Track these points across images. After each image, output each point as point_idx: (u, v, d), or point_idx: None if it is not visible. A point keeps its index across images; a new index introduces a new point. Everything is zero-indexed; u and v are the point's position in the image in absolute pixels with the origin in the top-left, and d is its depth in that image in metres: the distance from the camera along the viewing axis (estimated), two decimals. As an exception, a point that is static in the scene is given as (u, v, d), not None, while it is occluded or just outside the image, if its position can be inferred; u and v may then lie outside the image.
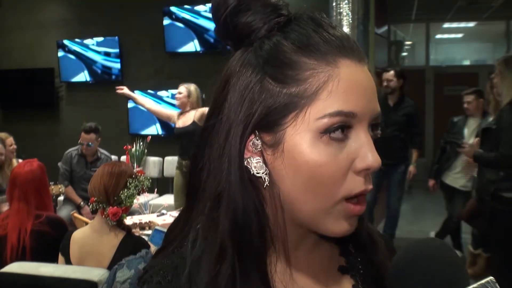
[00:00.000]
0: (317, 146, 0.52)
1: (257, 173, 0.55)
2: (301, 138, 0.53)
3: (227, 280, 0.53)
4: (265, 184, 0.55)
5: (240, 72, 0.55)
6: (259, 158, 0.55)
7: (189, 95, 4.14)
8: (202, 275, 0.53)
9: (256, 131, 0.55)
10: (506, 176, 2.86)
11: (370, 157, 0.53)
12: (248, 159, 0.55)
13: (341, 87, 0.52)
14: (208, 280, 0.53)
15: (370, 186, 0.54)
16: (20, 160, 3.62)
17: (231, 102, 0.55)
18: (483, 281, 0.48)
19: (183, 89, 4.16)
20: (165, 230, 2.63)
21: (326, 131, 0.52)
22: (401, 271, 0.53)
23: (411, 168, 4.48)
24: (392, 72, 4.29)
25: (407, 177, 4.52)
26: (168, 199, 4.64)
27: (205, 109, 4.63)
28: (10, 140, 4.09)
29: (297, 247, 0.60)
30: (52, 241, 2.24)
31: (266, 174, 0.55)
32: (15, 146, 4.09)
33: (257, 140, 0.55)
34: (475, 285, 0.48)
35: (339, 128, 0.52)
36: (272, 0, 0.57)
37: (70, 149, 4.39)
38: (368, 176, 0.54)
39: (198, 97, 4.19)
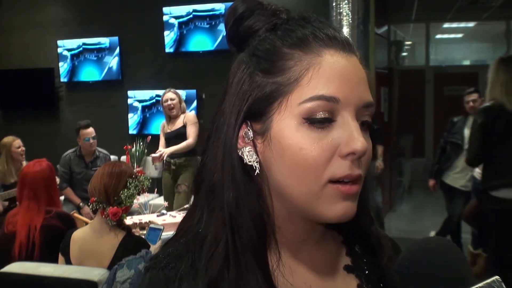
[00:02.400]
0: (300, 131, 0.54)
1: (249, 161, 0.57)
2: (286, 124, 0.55)
3: (221, 265, 0.54)
4: (256, 172, 0.57)
5: (235, 71, 0.59)
6: (251, 147, 0.57)
7: (180, 101, 4.30)
8: (201, 260, 0.56)
9: (248, 121, 0.58)
10: (492, 174, 2.87)
11: (355, 142, 0.53)
12: (242, 149, 0.58)
13: (322, 73, 0.54)
14: (204, 264, 0.55)
15: (358, 171, 0.55)
16: (24, 163, 3.61)
17: (227, 98, 0.59)
18: (488, 280, 0.47)
19: (173, 95, 4.25)
20: (161, 227, 2.62)
21: (310, 120, 0.53)
22: (408, 268, 0.53)
23: (378, 163, 4.51)
24: None
25: (375, 171, 4.57)
26: (168, 199, 4.62)
27: (191, 113, 4.70)
28: (17, 142, 4.04)
29: (302, 242, 0.61)
30: (61, 235, 2.26)
31: (256, 162, 0.57)
32: (23, 148, 4.05)
33: (248, 130, 0.58)
34: (480, 284, 0.47)
35: (324, 121, 0.54)
36: (273, 6, 0.60)
37: (67, 152, 4.36)
38: (357, 162, 0.55)
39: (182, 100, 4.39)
